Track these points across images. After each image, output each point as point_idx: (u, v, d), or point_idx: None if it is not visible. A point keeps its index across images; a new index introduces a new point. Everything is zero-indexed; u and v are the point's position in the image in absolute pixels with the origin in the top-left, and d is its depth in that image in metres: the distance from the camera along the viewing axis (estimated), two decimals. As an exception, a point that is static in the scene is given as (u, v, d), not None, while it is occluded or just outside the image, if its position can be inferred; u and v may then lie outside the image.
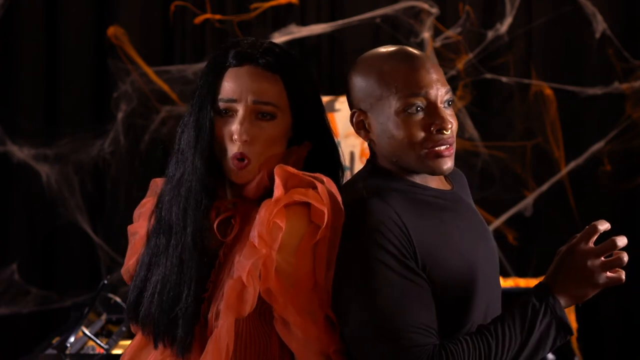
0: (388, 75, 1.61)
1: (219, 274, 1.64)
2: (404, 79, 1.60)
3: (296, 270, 1.56)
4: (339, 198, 1.58)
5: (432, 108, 1.60)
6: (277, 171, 1.60)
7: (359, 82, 1.65)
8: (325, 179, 1.60)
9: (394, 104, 1.60)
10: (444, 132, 1.59)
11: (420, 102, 1.59)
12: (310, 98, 1.70)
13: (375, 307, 1.52)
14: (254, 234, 1.55)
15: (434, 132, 1.59)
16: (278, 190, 1.58)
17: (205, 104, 1.67)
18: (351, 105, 1.69)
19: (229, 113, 1.66)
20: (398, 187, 1.63)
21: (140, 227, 1.80)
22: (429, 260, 1.57)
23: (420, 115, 1.60)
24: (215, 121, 1.66)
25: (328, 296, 1.56)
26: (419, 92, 1.59)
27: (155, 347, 1.66)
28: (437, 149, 1.60)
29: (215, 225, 1.65)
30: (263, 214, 1.56)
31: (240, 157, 1.64)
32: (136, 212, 1.84)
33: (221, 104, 1.66)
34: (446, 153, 1.61)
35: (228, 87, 1.66)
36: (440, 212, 1.65)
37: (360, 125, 1.65)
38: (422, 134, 1.59)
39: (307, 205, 1.57)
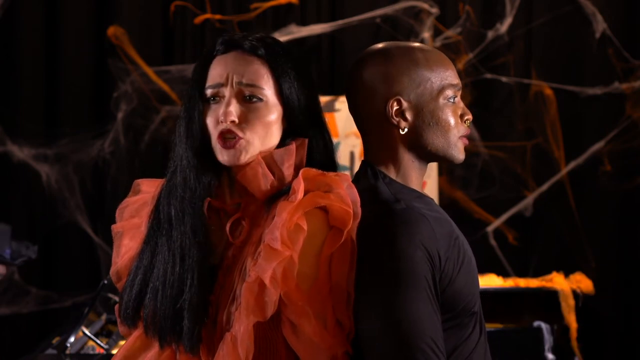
0: (434, 65, 1.69)
1: (227, 276, 1.62)
2: (446, 70, 1.70)
3: (317, 274, 1.55)
4: (358, 200, 1.57)
5: (460, 101, 1.72)
6: (303, 174, 1.59)
7: (395, 71, 1.67)
8: (348, 180, 1.60)
9: (440, 91, 1.68)
10: (469, 124, 1.73)
11: (457, 94, 1.71)
12: (302, 88, 1.68)
13: (401, 320, 1.52)
14: (274, 236, 1.53)
15: (465, 122, 1.71)
16: (299, 194, 1.56)
17: (193, 94, 1.67)
18: (378, 96, 1.69)
19: (216, 100, 1.65)
20: (416, 195, 1.66)
21: (122, 226, 1.80)
22: (452, 275, 1.59)
23: (454, 105, 1.71)
24: (205, 110, 1.66)
25: (348, 298, 1.55)
26: (457, 84, 1.70)
27: (161, 347, 1.63)
28: (465, 138, 1.72)
29: (228, 227, 1.64)
30: (285, 216, 1.54)
31: (228, 134, 1.62)
32: (118, 212, 1.83)
33: (208, 91, 1.65)
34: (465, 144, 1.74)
35: (214, 72, 1.66)
36: (448, 220, 1.67)
37: (398, 113, 1.67)
38: (458, 122, 1.70)
39: (324, 208, 1.56)
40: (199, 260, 1.61)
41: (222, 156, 1.63)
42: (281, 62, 1.66)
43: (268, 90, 1.65)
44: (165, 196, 1.68)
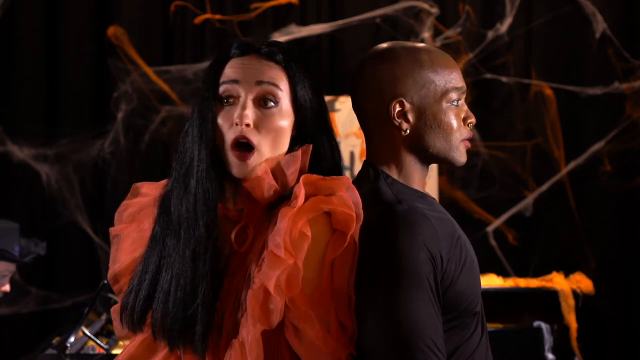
0: (439, 67, 1.68)
1: (232, 282, 1.61)
2: (451, 72, 1.69)
3: (320, 278, 1.54)
4: (360, 202, 1.57)
5: (463, 104, 1.71)
6: (304, 180, 1.58)
7: (400, 72, 1.67)
8: (349, 182, 1.59)
9: (443, 94, 1.67)
10: (472, 127, 1.72)
11: (461, 97, 1.69)
12: (314, 96, 1.68)
13: (401, 320, 1.52)
14: (277, 243, 1.52)
15: (468, 125, 1.70)
16: (300, 200, 1.55)
17: (207, 94, 1.64)
18: (382, 96, 1.68)
19: (230, 102, 1.63)
20: (419, 195, 1.66)
21: (121, 229, 1.78)
22: (453, 275, 1.59)
23: (458, 108, 1.69)
24: (217, 111, 1.64)
25: (350, 300, 1.55)
26: (462, 87, 1.69)
27: (171, 350, 1.62)
28: (467, 141, 1.71)
29: (233, 236, 1.62)
30: (287, 223, 1.53)
31: (243, 140, 1.60)
32: (117, 214, 1.81)
33: (222, 88, 1.63)
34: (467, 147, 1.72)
35: (230, 70, 1.64)
36: (451, 220, 1.67)
37: (400, 115, 1.67)
38: (460, 125, 1.69)
39: (328, 212, 1.56)
40: (213, 266, 1.60)
41: (234, 169, 1.62)
42: (296, 69, 1.66)
43: (284, 95, 1.64)
44: (177, 197, 1.65)
